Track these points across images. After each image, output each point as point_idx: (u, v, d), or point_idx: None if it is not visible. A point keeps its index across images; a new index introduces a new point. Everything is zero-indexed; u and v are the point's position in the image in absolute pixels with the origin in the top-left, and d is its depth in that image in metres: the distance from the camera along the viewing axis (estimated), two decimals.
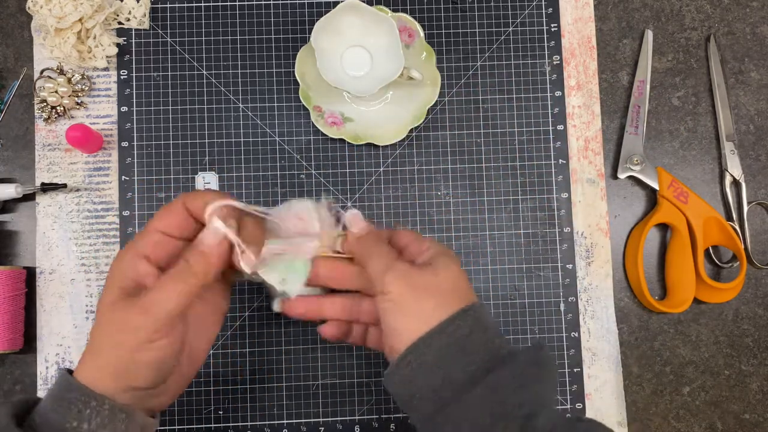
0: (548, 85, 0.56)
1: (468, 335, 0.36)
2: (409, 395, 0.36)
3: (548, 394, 0.36)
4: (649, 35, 0.58)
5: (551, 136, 0.56)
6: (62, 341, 0.53)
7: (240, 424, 0.53)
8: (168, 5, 0.56)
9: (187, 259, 0.37)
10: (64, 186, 0.53)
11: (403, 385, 0.36)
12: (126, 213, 0.54)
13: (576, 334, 0.54)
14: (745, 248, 0.56)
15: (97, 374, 0.35)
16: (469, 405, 0.34)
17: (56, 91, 0.54)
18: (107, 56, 0.54)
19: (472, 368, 0.35)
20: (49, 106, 0.54)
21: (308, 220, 0.42)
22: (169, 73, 0.55)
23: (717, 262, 0.57)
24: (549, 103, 0.56)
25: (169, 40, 0.56)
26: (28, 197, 0.54)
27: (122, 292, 0.36)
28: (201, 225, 0.38)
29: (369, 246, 0.41)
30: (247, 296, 0.54)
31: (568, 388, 0.54)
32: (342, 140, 0.55)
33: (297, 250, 0.41)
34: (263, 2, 0.56)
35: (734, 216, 0.56)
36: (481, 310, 0.38)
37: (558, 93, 0.56)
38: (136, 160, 0.55)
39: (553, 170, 0.56)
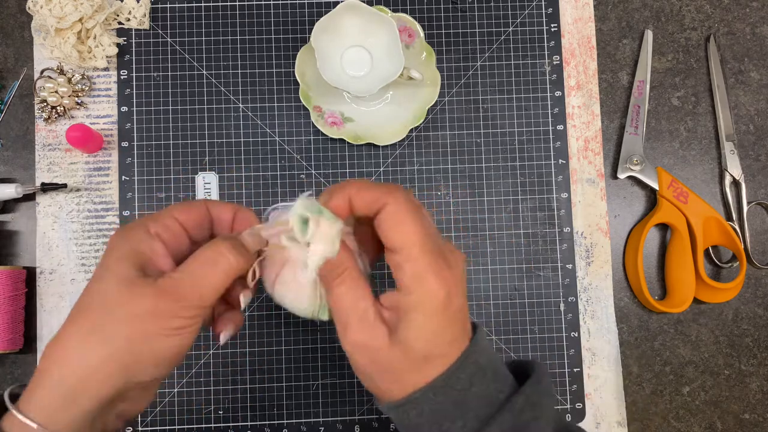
0: (548, 85, 0.56)
1: (468, 388, 0.33)
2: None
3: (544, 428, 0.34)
4: (649, 35, 0.58)
5: (551, 136, 0.56)
6: None
7: (240, 424, 0.53)
8: (168, 5, 0.56)
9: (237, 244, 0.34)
10: (64, 186, 0.53)
11: (401, 424, 0.35)
12: (126, 213, 0.54)
13: (576, 334, 0.54)
14: (745, 248, 0.56)
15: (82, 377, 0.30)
16: None
17: (56, 91, 0.54)
18: (107, 56, 0.54)
19: (468, 423, 0.33)
20: (49, 106, 0.54)
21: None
22: (169, 73, 0.55)
23: (717, 262, 0.57)
24: (549, 103, 0.56)
25: (169, 40, 0.56)
26: (28, 197, 0.54)
27: (138, 269, 0.32)
28: (211, 236, 0.37)
29: (336, 293, 0.35)
30: None
31: (568, 388, 0.54)
32: (342, 140, 0.55)
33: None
34: (263, 2, 0.56)
35: (734, 216, 0.57)
36: (476, 348, 0.34)
37: (558, 93, 0.56)
38: (136, 160, 0.55)
39: (552, 170, 0.56)
